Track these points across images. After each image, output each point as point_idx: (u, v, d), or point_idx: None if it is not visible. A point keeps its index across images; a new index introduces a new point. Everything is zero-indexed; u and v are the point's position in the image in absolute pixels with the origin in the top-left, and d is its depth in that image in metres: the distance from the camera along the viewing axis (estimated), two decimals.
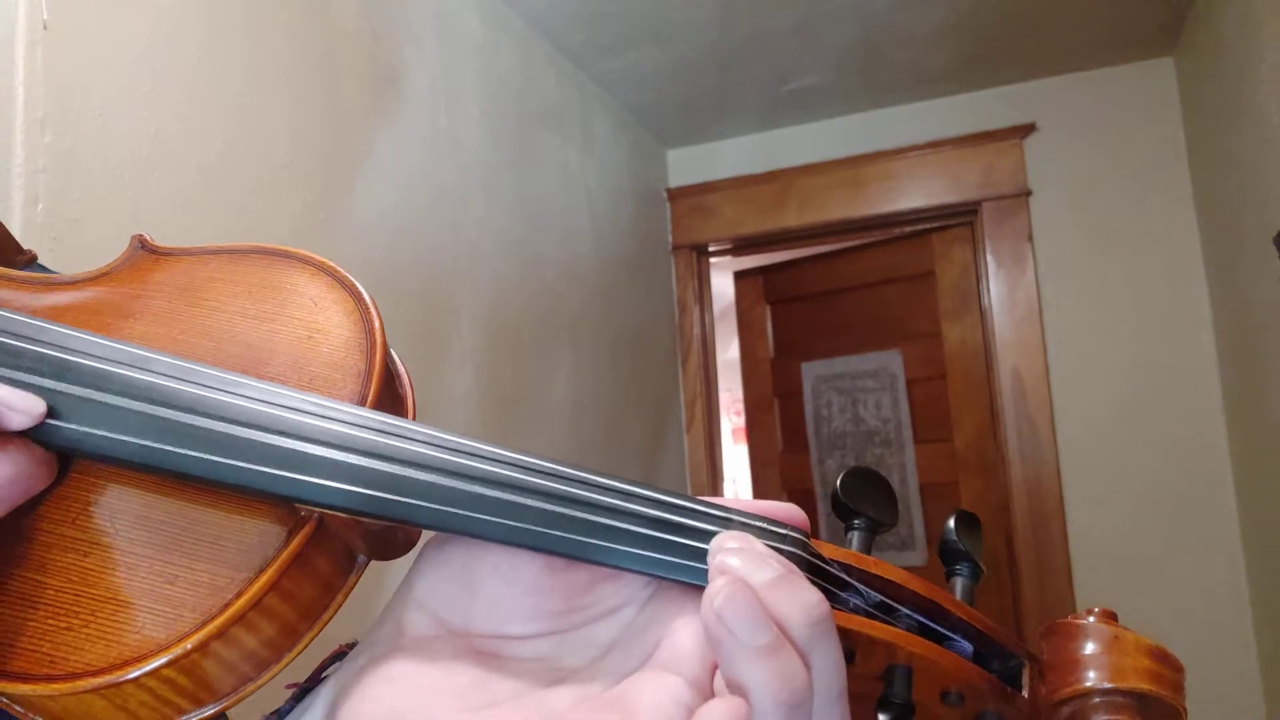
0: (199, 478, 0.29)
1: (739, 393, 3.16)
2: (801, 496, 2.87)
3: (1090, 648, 0.32)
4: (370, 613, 0.34)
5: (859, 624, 0.31)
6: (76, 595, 0.28)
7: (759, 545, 0.28)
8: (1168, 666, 0.32)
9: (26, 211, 0.91)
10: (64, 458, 0.30)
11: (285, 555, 0.29)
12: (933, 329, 2.66)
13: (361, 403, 0.32)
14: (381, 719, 0.28)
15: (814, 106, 2.62)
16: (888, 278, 2.77)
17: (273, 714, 0.33)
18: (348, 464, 0.29)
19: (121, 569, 0.29)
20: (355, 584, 0.32)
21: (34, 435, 0.29)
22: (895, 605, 0.33)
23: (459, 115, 1.73)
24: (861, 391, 2.77)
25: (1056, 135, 2.46)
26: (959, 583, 0.35)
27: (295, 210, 1.29)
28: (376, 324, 0.37)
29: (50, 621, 0.28)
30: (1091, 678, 0.31)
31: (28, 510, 0.30)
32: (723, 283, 3.24)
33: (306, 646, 0.31)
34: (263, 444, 0.29)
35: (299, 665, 0.31)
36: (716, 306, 2.99)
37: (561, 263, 2.10)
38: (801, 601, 0.26)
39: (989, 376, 2.54)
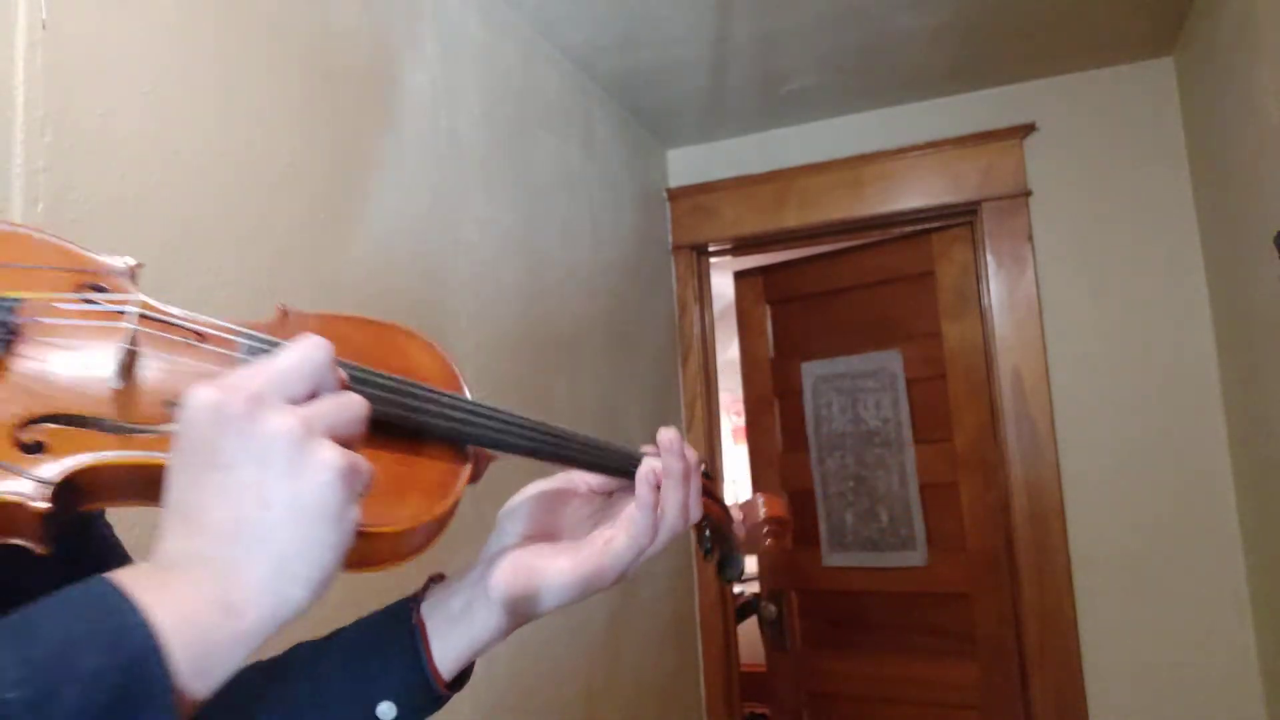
0: (444, 432, 0.56)
1: (739, 393, 3.15)
2: (802, 496, 2.87)
3: (759, 502, 0.82)
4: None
5: (708, 506, 0.72)
6: (389, 483, 0.52)
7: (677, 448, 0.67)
8: (783, 504, 0.81)
9: (27, 211, 0.91)
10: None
11: (469, 467, 0.57)
12: (932, 329, 2.66)
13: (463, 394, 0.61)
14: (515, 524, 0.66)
15: (814, 106, 2.62)
16: (887, 278, 2.77)
17: (413, 597, 0.64)
18: (484, 423, 0.58)
19: (401, 471, 0.54)
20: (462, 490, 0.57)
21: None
22: (711, 496, 0.75)
23: (459, 115, 1.73)
24: (861, 391, 2.77)
25: (1056, 135, 2.46)
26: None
27: (295, 210, 1.29)
28: (448, 355, 0.64)
29: (380, 497, 0.49)
30: (761, 513, 0.81)
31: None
32: (723, 283, 3.24)
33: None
34: (460, 418, 0.57)
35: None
36: (716, 306, 2.99)
37: (561, 263, 2.10)
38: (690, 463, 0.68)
39: (989, 376, 2.54)
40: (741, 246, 2.91)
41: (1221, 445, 2.25)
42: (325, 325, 0.57)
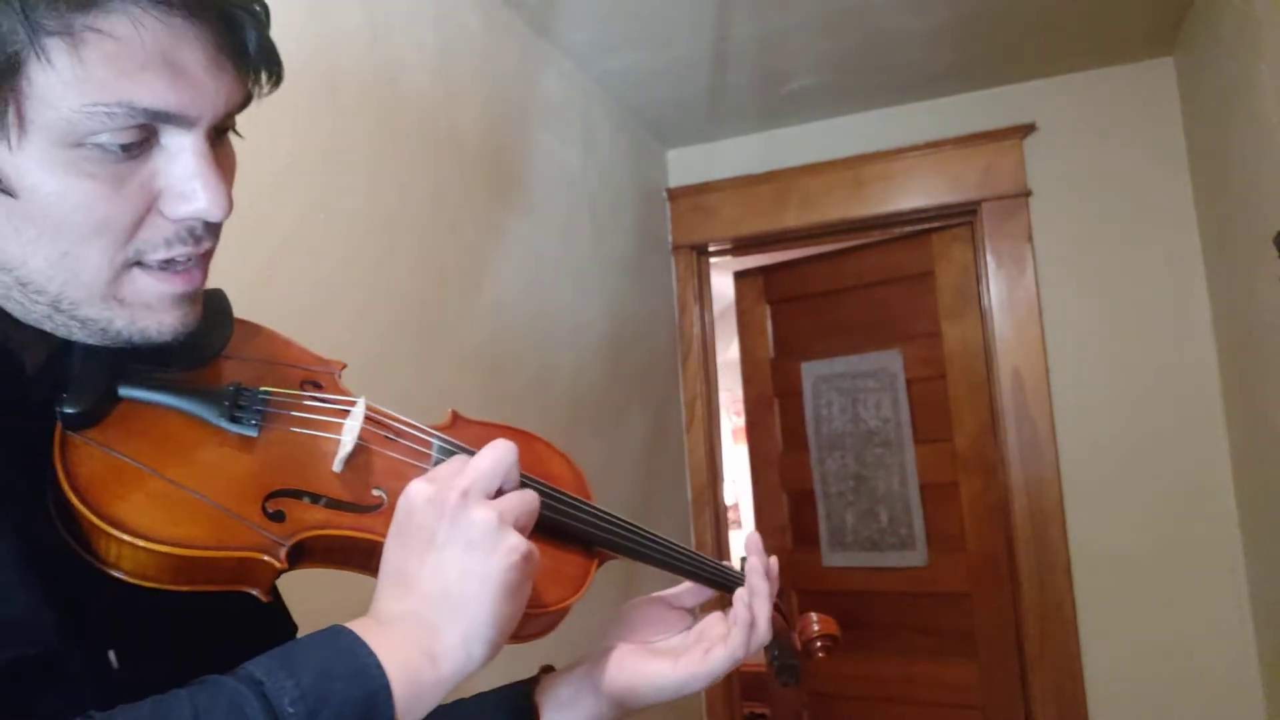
0: (580, 534, 0.67)
1: (739, 393, 3.16)
2: (801, 496, 2.87)
3: (812, 619, 0.84)
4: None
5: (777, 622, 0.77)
6: (544, 572, 0.60)
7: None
8: (834, 625, 0.83)
9: None
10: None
11: (595, 565, 0.67)
12: (932, 329, 2.66)
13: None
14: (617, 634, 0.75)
15: (814, 106, 2.62)
16: (887, 278, 2.77)
17: (528, 680, 0.74)
18: (613, 529, 0.69)
19: (548, 563, 0.61)
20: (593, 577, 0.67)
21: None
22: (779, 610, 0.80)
23: (459, 115, 1.73)
24: (861, 391, 2.77)
25: (1056, 135, 2.46)
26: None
27: (295, 210, 1.29)
28: (578, 467, 0.75)
29: (536, 584, 0.57)
30: (815, 629, 0.83)
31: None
32: (723, 283, 3.24)
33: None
34: (595, 524, 0.68)
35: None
36: (716, 306, 2.99)
37: (561, 263, 2.10)
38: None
39: (989, 376, 2.54)
40: (741, 246, 2.91)
41: (1221, 445, 2.25)
42: (488, 432, 0.68)
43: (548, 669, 0.75)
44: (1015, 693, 2.48)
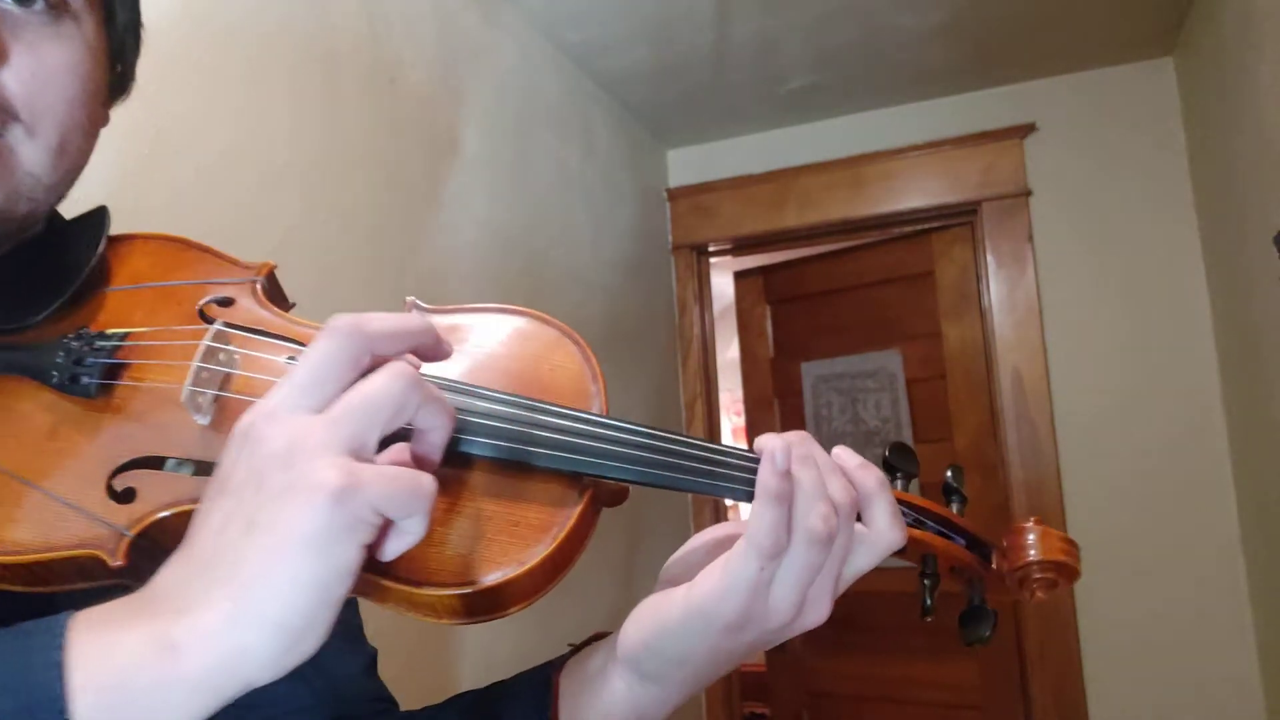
0: (537, 467, 0.44)
1: (739, 393, 3.15)
2: None
3: (1030, 537, 0.55)
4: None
5: (913, 532, 0.54)
6: (458, 535, 0.42)
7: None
8: (1073, 547, 0.55)
9: None
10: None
11: (581, 508, 0.44)
12: (932, 329, 2.66)
13: (604, 412, 0.49)
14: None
15: (814, 106, 2.62)
16: (887, 278, 2.77)
17: (567, 653, 0.57)
18: (613, 452, 0.45)
19: (480, 519, 0.43)
20: (597, 523, 0.46)
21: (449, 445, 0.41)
22: (925, 520, 0.56)
23: (459, 115, 1.72)
24: (861, 391, 2.77)
25: (1056, 135, 2.46)
26: (955, 505, 0.59)
27: (294, 210, 1.29)
28: (589, 354, 0.52)
29: (459, 548, 0.42)
30: (1031, 554, 0.54)
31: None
32: (723, 283, 3.24)
33: (575, 564, 0.45)
34: (571, 443, 0.44)
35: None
36: (716, 306, 2.99)
37: (561, 263, 2.10)
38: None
39: (989, 376, 2.54)
40: (741, 246, 2.91)
41: (1222, 445, 2.25)
42: (461, 323, 0.52)
43: (599, 636, 0.57)
44: (1015, 693, 2.48)
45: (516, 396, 0.45)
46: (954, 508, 0.58)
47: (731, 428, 5.65)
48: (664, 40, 2.16)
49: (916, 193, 2.58)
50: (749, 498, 0.47)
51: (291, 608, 0.33)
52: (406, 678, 0.78)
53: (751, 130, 2.79)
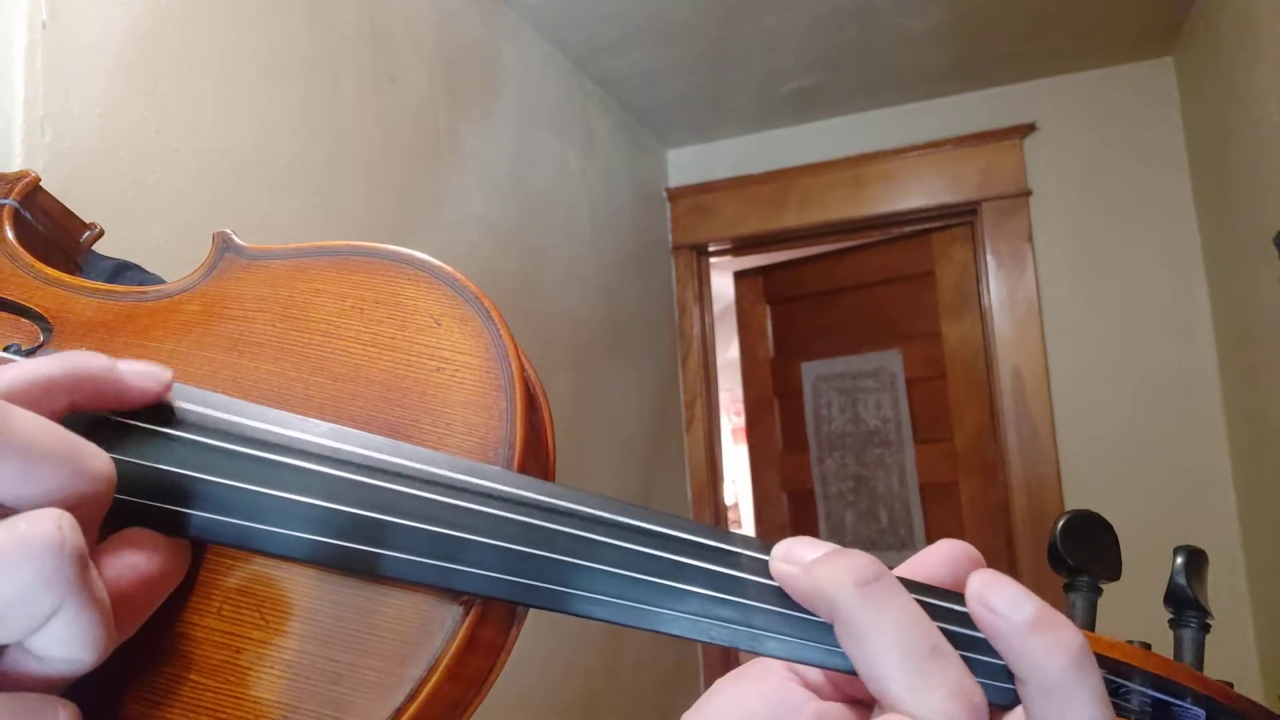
0: (356, 574, 0.26)
1: (739, 393, 3.16)
2: (801, 496, 2.87)
3: None
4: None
5: None
6: (236, 699, 0.25)
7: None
8: None
9: None
10: (198, 543, 0.27)
11: (456, 644, 0.25)
12: (932, 329, 2.66)
13: (511, 454, 0.28)
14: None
15: (814, 106, 2.62)
16: (887, 277, 2.77)
17: None
18: (510, 552, 0.25)
19: (279, 666, 0.26)
20: (517, 637, 0.29)
21: (171, 525, 0.25)
22: (1124, 683, 0.28)
23: (459, 115, 1.73)
24: (861, 391, 2.77)
25: (1056, 135, 2.46)
26: (1188, 636, 0.30)
27: (294, 210, 1.29)
28: (507, 340, 0.30)
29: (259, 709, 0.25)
30: None
31: (167, 602, 0.26)
32: (723, 283, 3.24)
33: (475, 710, 0.28)
34: (421, 531, 0.26)
35: None
36: (716, 306, 2.99)
37: (561, 263, 2.10)
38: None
39: (989, 376, 2.54)
40: (741, 246, 2.91)
41: (1222, 445, 2.25)
42: (295, 277, 0.33)
43: None
44: None
45: (361, 446, 0.27)
46: (1186, 641, 0.33)
47: (732, 428, 5.66)
48: (664, 40, 2.16)
49: (916, 193, 2.58)
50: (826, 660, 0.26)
51: None
52: None
53: (751, 130, 2.79)
